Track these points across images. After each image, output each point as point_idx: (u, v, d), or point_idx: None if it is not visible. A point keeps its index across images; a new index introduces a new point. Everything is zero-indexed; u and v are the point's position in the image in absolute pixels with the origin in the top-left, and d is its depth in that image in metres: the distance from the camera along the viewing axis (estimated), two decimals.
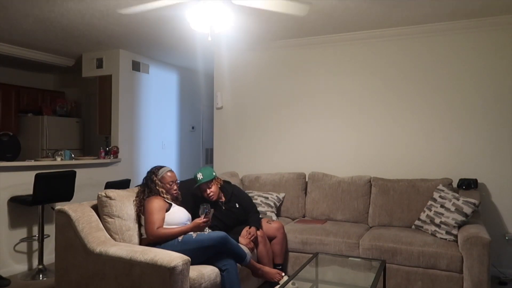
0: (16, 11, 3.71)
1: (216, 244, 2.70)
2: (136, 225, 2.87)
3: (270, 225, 3.47)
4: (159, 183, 2.97)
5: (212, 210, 2.94)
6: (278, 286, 2.96)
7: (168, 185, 2.99)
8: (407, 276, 3.16)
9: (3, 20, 3.98)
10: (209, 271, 2.61)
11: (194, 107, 6.83)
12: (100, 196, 2.79)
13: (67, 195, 3.89)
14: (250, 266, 3.01)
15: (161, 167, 3.07)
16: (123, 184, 4.27)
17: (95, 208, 2.84)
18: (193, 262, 2.50)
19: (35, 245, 4.07)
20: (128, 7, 3.15)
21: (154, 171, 3.02)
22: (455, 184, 3.83)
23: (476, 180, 3.75)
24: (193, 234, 2.77)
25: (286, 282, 2.56)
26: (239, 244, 3.04)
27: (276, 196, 4.19)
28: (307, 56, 4.63)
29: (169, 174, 3.02)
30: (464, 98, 3.96)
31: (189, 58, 5.66)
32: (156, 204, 2.84)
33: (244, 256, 2.88)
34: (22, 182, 3.95)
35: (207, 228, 2.91)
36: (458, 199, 3.31)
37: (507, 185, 3.80)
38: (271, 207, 4.06)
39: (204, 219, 2.84)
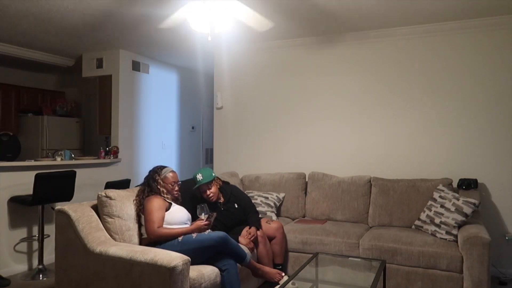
0: (16, 11, 3.71)
1: (216, 244, 2.70)
2: (136, 225, 2.87)
3: (269, 225, 3.47)
4: (161, 182, 2.97)
5: (214, 214, 2.95)
6: (278, 286, 2.96)
7: (170, 186, 2.99)
8: (407, 276, 3.16)
9: (3, 20, 3.98)
10: (209, 271, 2.61)
11: (194, 107, 6.83)
12: (100, 196, 2.79)
13: (67, 195, 3.89)
14: (250, 266, 3.01)
15: (164, 167, 3.07)
16: (123, 184, 4.27)
17: (95, 208, 2.84)
18: (193, 262, 2.50)
19: (35, 245, 4.07)
20: (126, 5, 3.16)
21: (157, 170, 3.03)
22: (455, 184, 3.83)
23: (476, 180, 3.75)
24: (193, 234, 2.77)
25: (286, 282, 2.56)
26: (239, 244, 3.04)
27: (276, 196, 4.19)
28: (307, 56, 4.63)
29: (171, 174, 3.03)
30: (464, 98, 3.96)
31: (189, 58, 5.66)
32: (156, 203, 2.84)
33: (244, 256, 2.88)
34: (22, 182, 3.95)
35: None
36: (458, 199, 3.31)
37: (507, 185, 3.80)
38: (271, 207, 4.06)
39: (206, 222, 2.85)
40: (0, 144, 5.29)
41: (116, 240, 2.72)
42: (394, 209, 3.79)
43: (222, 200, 3.42)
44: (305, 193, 4.27)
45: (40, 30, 4.33)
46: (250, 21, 3.14)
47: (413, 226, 3.64)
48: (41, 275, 3.81)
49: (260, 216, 3.67)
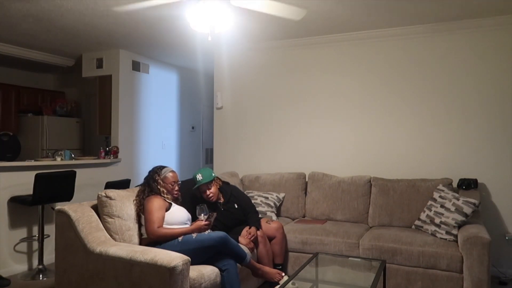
0: (16, 11, 3.71)
1: (216, 244, 2.70)
2: (136, 225, 2.87)
3: (269, 225, 3.47)
4: (161, 182, 2.97)
5: (215, 214, 2.95)
6: (278, 286, 2.96)
7: (170, 186, 2.99)
8: (407, 276, 3.16)
9: (3, 20, 3.98)
10: (209, 271, 2.61)
11: (194, 107, 6.83)
12: (100, 196, 2.79)
13: (67, 195, 3.89)
14: (250, 266, 3.01)
15: (164, 167, 3.08)
16: (123, 184, 4.27)
17: (95, 208, 2.84)
18: (193, 262, 2.50)
19: (35, 245, 4.07)
20: (126, 5, 3.15)
21: (156, 171, 3.03)
22: (455, 184, 3.83)
23: (476, 180, 3.75)
24: (193, 234, 2.77)
25: (286, 282, 2.56)
26: (239, 244, 3.04)
27: (276, 196, 4.19)
28: (307, 56, 4.63)
29: (171, 174, 3.03)
30: (464, 98, 3.96)
31: (189, 58, 5.66)
32: (156, 203, 2.84)
33: (244, 256, 2.88)
34: (22, 182, 3.95)
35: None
36: (458, 199, 3.31)
37: (507, 185, 3.80)
38: (271, 207, 4.06)
39: (206, 222, 2.85)
40: (0, 144, 5.29)
41: (116, 240, 2.71)
42: (394, 209, 3.79)
43: (222, 200, 3.42)
44: (305, 193, 4.27)
45: (40, 30, 4.33)
46: (281, 12, 3.12)
47: (413, 226, 3.64)
48: (41, 275, 3.81)
49: (260, 216, 3.67)
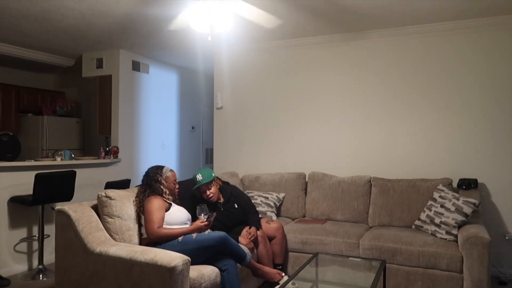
0: (16, 11, 3.71)
1: (216, 244, 2.70)
2: (136, 225, 2.87)
3: (269, 225, 3.47)
4: (165, 183, 2.97)
5: (214, 214, 2.95)
6: (278, 286, 2.96)
7: (172, 185, 3.01)
8: (407, 276, 3.16)
9: (3, 20, 3.98)
10: (209, 271, 2.61)
11: (194, 107, 6.83)
12: (100, 196, 2.79)
13: (67, 195, 3.89)
14: (250, 266, 3.01)
15: (162, 166, 3.08)
16: (123, 184, 4.27)
17: (95, 208, 2.84)
18: (193, 262, 2.50)
19: (35, 245, 4.07)
20: (126, 5, 3.17)
21: (157, 171, 3.02)
22: (455, 184, 3.83)
23: (476, 180, 3.75)
24: (193, 234, 2.77)
25: (286, 282, 2.56)
26: (239, 244, 3.04)
27: (276, 196, 4.19)
28: (307, 56, 4.63)
29: (171, 173, 3.06)
30: (464, 98, 3.96)
31: (189, 58, 5.66)
32: (156, 203, 2.84)
33: (244, 256, 2.88)
34: (22, 182, 3.95)
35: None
36: (458, 199, 3.31)
37: (507, 185, 3.80)
38: (271, 207, 4.06)
39: (206, 222, 2.85)
40: (0, 144, 5.29)
41: (116, 240, 2.71)
42: (394, 209, 3.79)
43: (222, 200, 3.42)
44: (305, 193, 4.27)
45: (40, 30, 4.33)
46: (257, 18, 3.16)
47: (413, 226, 3.64)
48: (41, 275, 3.81)
49: (260, 216, 3.67)
